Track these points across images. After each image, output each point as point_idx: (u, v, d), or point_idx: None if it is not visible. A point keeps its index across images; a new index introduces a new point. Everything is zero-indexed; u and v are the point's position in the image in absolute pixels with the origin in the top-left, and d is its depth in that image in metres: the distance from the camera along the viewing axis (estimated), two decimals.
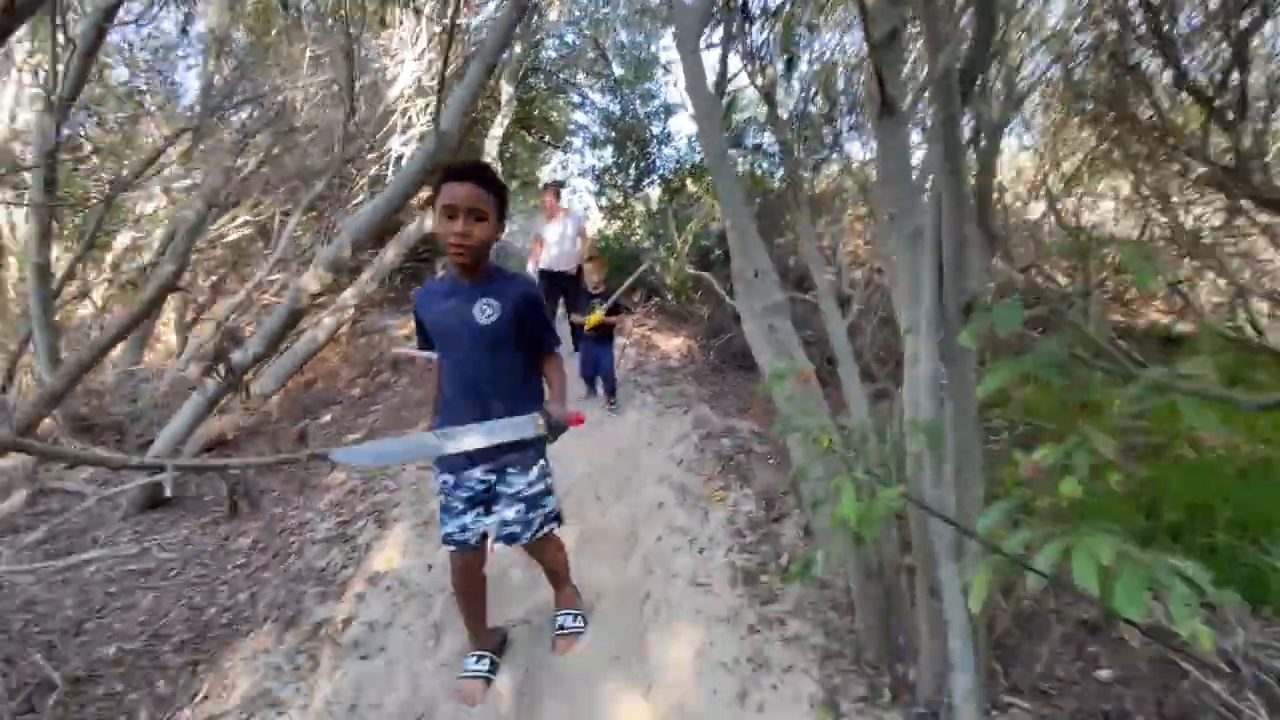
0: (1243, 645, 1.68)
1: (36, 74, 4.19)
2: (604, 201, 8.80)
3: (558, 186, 5.47)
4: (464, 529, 1.83)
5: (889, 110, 1.51)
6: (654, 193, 8.07)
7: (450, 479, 1.84)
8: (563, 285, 5.28)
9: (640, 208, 8.14)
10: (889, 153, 1.54)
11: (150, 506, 3.76)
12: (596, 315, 4.29)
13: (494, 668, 2.00)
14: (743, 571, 2.37)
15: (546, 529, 1.92)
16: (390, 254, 4.90)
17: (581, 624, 2.13)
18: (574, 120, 10.02)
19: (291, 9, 4.90)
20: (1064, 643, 1.95)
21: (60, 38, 2.74)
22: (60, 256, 4.59)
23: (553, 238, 5.20)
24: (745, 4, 2.30)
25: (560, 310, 5.47)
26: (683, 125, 14.83)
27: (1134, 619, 0.67)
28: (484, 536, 1.87)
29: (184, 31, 4.78)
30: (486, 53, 3.53)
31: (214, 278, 5.48)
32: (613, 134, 8.36)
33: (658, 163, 7.98)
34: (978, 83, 1.46)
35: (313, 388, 5.93)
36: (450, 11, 3.13)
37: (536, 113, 9.64)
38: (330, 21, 4.71)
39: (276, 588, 2.68)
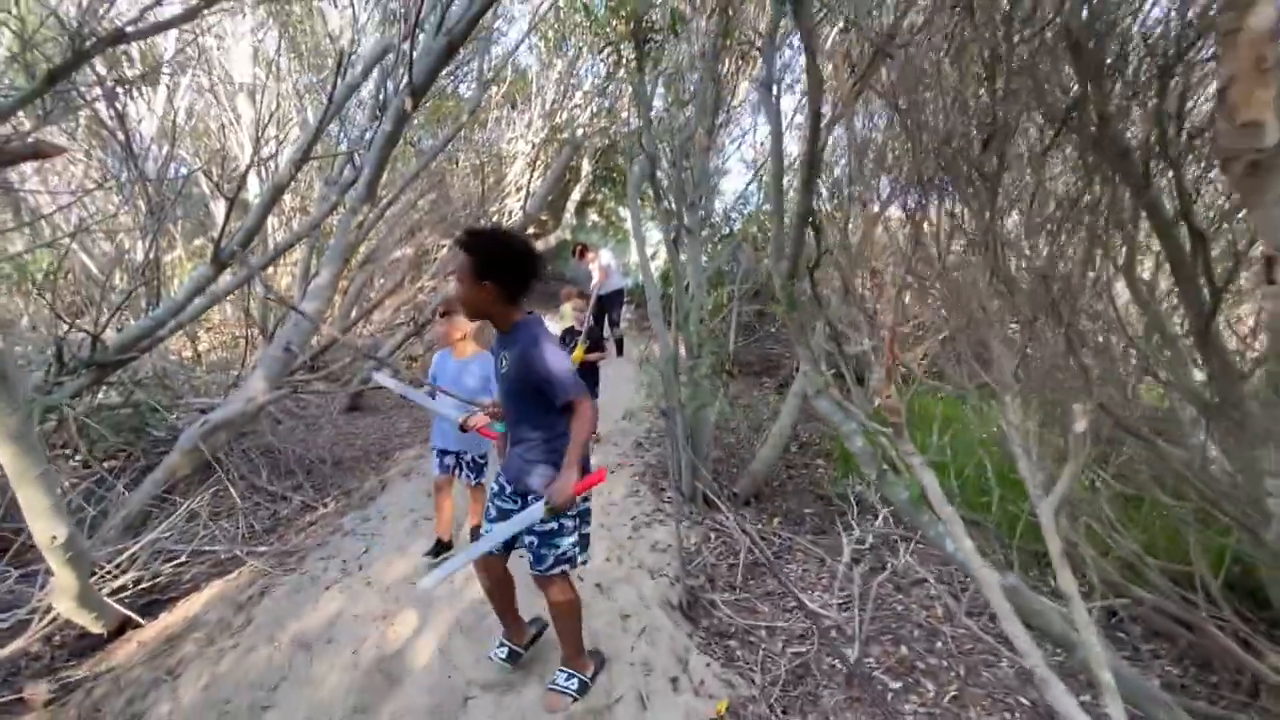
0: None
1: None
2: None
3: (583, 246, 7.63)
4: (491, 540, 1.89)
5: None
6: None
7: (495, 488, 2.00)
8: (603, 305, 7.57)
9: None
10: None
11: (350, 409, 6.60)
12: (578, 352, 4.46)
13: (511, 658, 2.12)
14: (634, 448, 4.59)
15: (557, 569, 1.90)
16: None
17: (574, 687, 2.00)
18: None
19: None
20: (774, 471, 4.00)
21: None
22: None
23: (595, 275, 7.54)
24: None
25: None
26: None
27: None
28: (509, 546, 1.97)
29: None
30: (556, 167, 6.04)
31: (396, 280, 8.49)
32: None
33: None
34: None
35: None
36: (535, 148, 5.64)
37: (615, 172, 12.24)
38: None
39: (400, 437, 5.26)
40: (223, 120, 6.86)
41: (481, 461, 3.02)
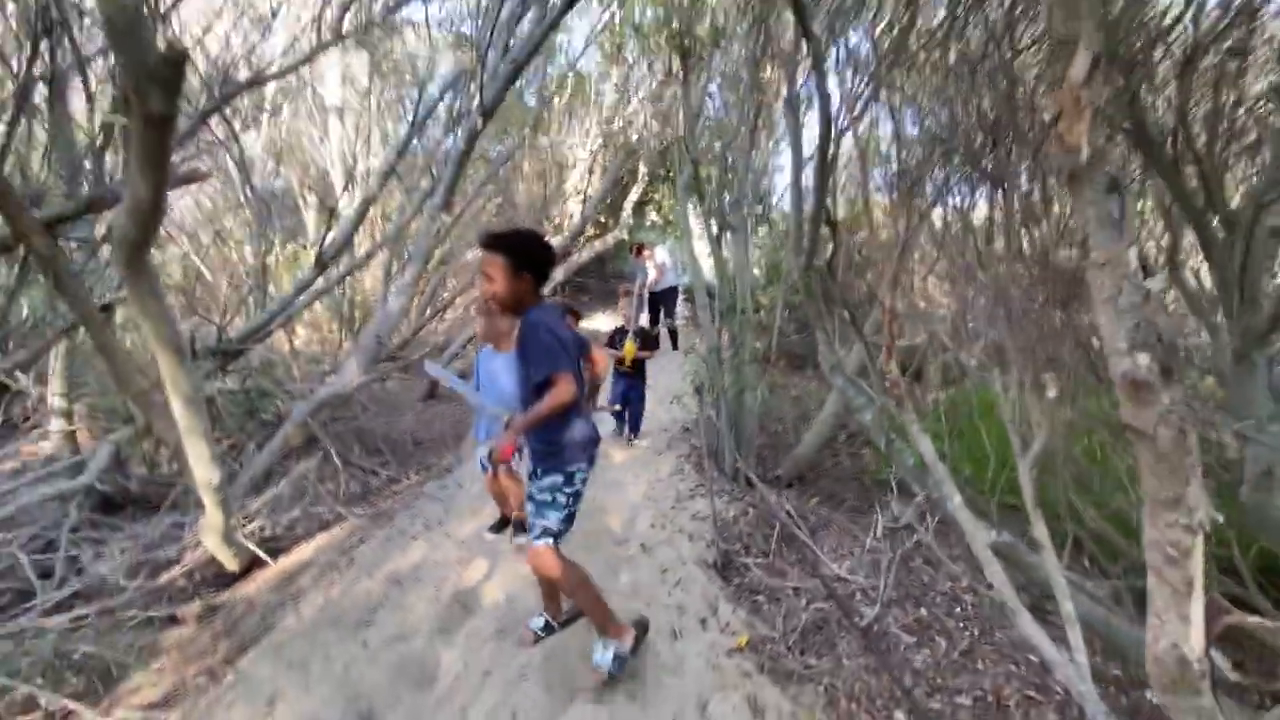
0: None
1: None
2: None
3: (639, 245, 8.01)
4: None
5: None
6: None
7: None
8: (657, 300, 7.94)
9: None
10: None
11: (427, 398, 7.24)
12: (630, 347, 4.52)
13: (548, 629, 2.34)
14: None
15: (540, 540, 2.00)
16: (559, 273, 8.06)
17: (609, 663, 2.03)
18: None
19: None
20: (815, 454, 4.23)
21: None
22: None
23: (651, 272, 7.90)
24: None
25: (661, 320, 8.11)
26: None
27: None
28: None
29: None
30: (613, 170, 6.42)
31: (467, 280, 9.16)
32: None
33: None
34: None
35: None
36: (593, 153, 6.03)
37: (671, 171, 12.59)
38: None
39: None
40: (316, 138, 7.65)
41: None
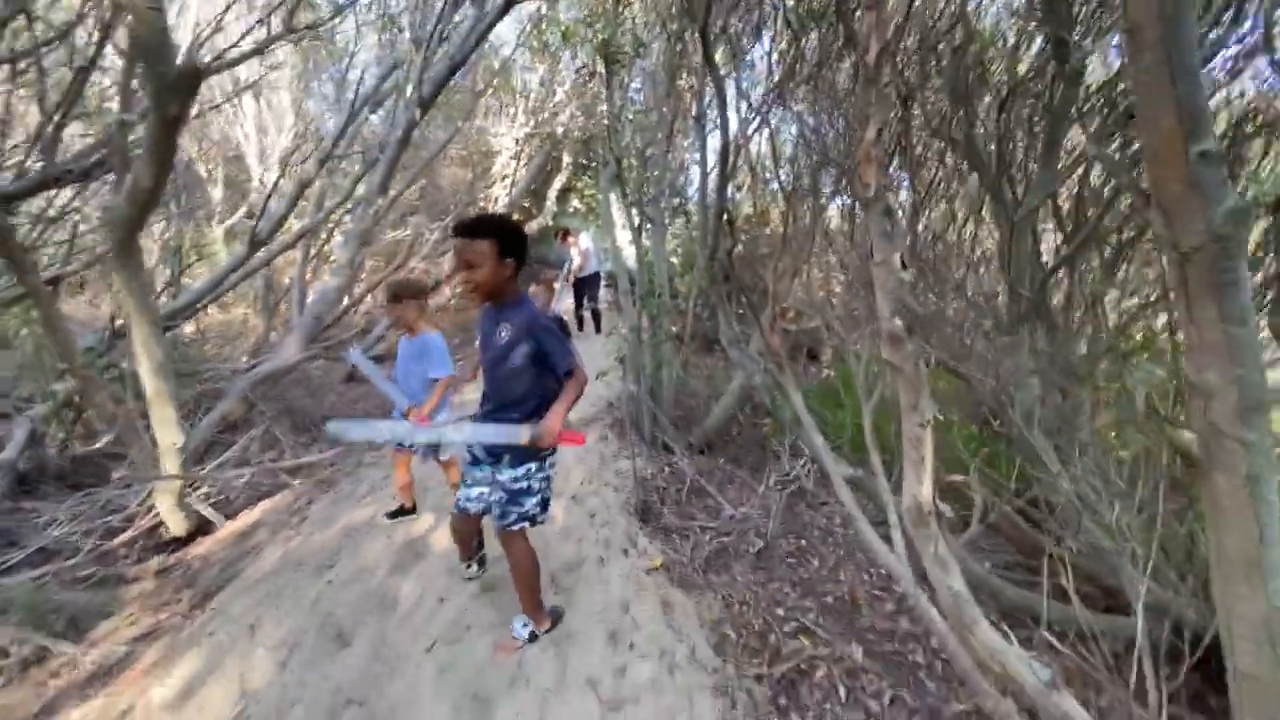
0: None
1: None
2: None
3: (565, 230, 8.43)
4: (467, 500, 2.21)
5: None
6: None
7: (470, 457, 2.22)
8: (581, 286, 8.36)
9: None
10: None
11: (348, 380, 7.30)
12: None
13: (482, 567, 2.64)
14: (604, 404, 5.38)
15: (518, 525, 2.10)
16: None
17: (526, 636, 2.24)
18: None
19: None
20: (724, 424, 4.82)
21: None
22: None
23: (575, 258, 8.30)
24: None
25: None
26: None
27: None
28: (482, 512, 2.25)
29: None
30: (539, 159, 6.73)
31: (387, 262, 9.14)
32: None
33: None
34: None
35: None
36: (519, 142, 6.32)
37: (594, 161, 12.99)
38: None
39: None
40: (230, 113, 7.43)
41: (435, 446, 3.09)
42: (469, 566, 2.61)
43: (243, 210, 7.72)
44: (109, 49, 2.64)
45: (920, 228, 2.89)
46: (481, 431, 2.02)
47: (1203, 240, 0.85)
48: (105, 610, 2.67)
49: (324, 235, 6.73)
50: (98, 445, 4.05)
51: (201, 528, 3.36)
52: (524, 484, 2.08)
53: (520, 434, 1.92)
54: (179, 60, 1.64)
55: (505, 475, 2.09)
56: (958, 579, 1.42)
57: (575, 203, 14.31)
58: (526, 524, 2.12)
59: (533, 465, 2.09)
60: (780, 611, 2.72)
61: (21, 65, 2.55)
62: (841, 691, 2.24)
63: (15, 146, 2.77)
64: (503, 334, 2.03)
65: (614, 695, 2.02)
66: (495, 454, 2.12)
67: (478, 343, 2.22)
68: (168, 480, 2.86)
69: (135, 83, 2.38)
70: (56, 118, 2.66)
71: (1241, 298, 0.87)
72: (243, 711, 1.94)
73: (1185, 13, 0.86)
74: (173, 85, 1.65)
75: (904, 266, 1.48)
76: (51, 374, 4.27)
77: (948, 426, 3.31)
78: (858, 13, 2.38)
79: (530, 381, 2.03)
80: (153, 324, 2.34)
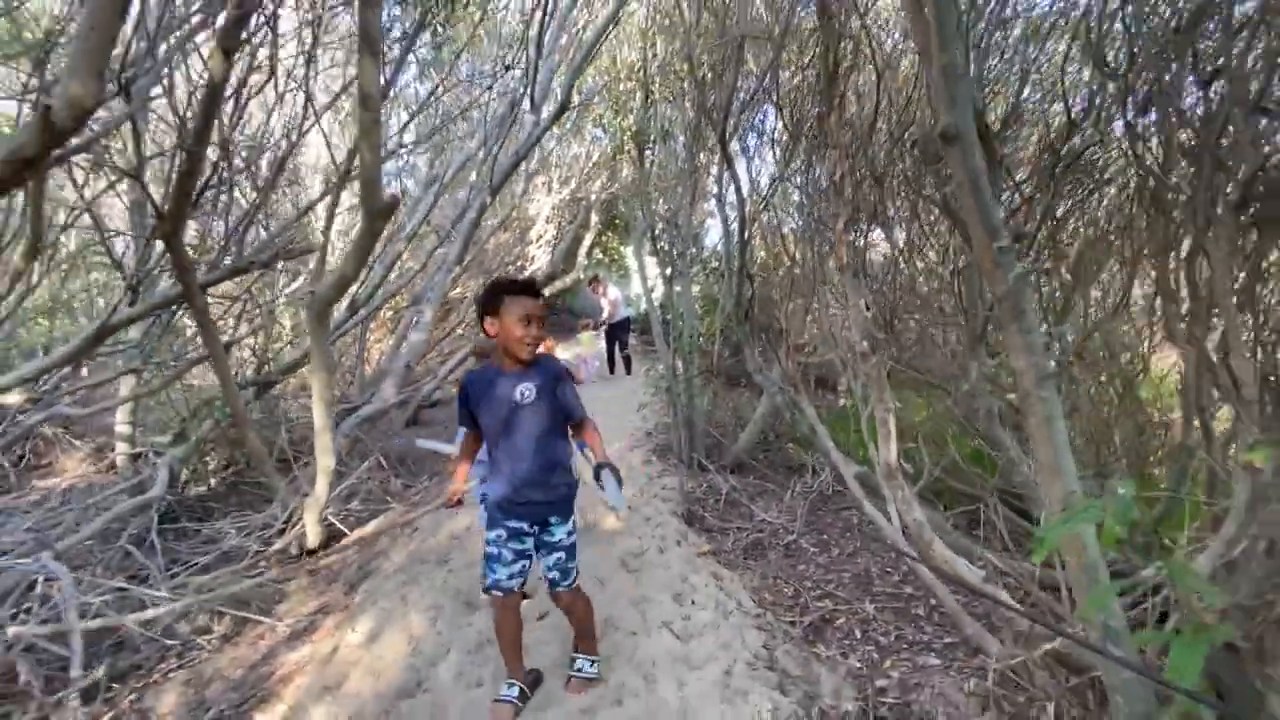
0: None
1: None
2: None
3: (595, 277, 9.36)
4: (510, 577, 2.10)
5: None
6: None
7: (504, 533, 2.11)
8: (613, 332, 9.23)
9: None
10: None
11: (408, 425, 8.16)
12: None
13: (524, 697, 2.24)
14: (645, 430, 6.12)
15: (578, 579, 2.19)
16: None
17: (596, 671, 2.28)
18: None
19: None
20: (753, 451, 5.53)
21: None
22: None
23: (605, 306, 9.18)
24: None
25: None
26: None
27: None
28: (523, 584, 2.17)
29: None
30: (575, 227, 7.69)
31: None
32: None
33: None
34: None
35: None
36: (554, 209, 7.29)
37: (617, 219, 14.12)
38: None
39: None
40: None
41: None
42: (511, 688, 2.23)
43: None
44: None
45: (901, 265, 3.67)
46: (611, 489, 2.04)
47: (1005, 291, 1.61)
48: (277, 597, 3.43)
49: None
50: (223, 477, 4.90)
51: (332, 538, 4.13)
52: (575, 535, 2.18)
53: (616, 484, 2.02)
54: (385, 195, 2.51)
55: (560, 534, 2.14)
56: (918, 512, 2.12)
57: (597, 254, 15.49)
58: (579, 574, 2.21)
59: (575, 515, 2.21)
60: (808, 583, 3.39)
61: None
62: (858, 633, 2.89)
63: (210, 248, 3.70)
64: (526, 394, 2.05)
65: (684, 632, 2.71)
66: (541, 519, 2.13)
67: (476, 406, 2.13)
68: (319, 494, 3.66)
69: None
70: (245, 224, 3.60)
71: (1029, 319, 1.62)
72: (415, 647, 2.67)
73: (976, 161, 1.64)
74: (381, 211, 2.53)
75: (867, 308, 2.26)
76: (193, 422, 5.17)
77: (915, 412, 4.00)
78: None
79: (561, 432, 2.14)
80: (328, 373, 3.17)
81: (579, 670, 2.29)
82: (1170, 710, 1.43)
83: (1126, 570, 2.09)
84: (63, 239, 4.66)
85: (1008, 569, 2.25)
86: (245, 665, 2.76)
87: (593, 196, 9.26)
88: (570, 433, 2.21)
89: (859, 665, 2.66)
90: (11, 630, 2.52)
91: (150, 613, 2.81)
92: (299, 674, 2.60)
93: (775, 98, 3.81)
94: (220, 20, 2.64)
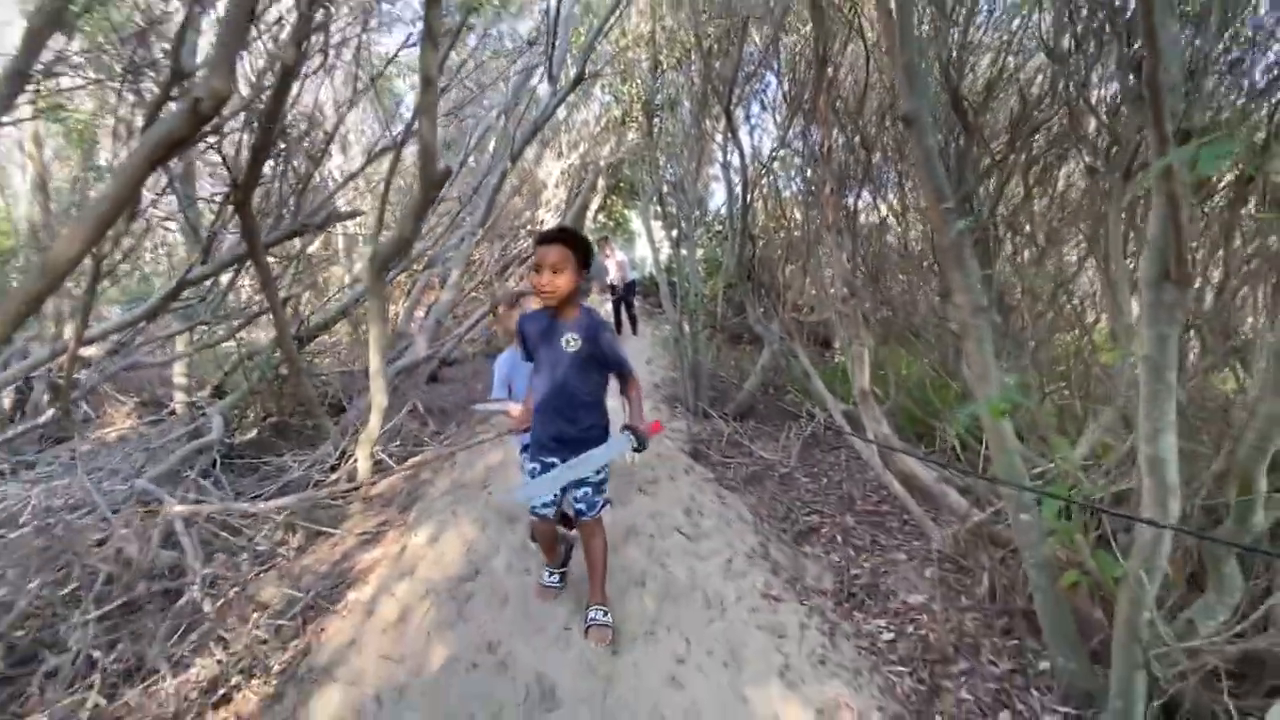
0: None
1: None
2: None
3: (604, 239, 9.77)
4: (544, 505, 2.32)
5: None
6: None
7: (538, 467, 2.29)
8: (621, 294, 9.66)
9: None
10: None
11: (430, 381, 8.67)
12: None
13: (563, 580, 2.68)
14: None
15: (604, 510, 2.39)
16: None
17: (609, 620, 2.38)
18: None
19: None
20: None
21: None
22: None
23: (612, 269, 9.60)
24: None
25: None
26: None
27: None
28: (559, 510, 2.40)
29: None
30: (585, 190, 8.04)
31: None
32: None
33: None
34: None
35: None
36: (564, 173, 7.64)
37: (622, 183, 14.34)
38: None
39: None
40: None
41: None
42: (551, 575, 2.67)
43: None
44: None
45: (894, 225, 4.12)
46: (593, 459, 2.16)
47: (949, 243, 2.06)
48: (340, 518, 3.98)
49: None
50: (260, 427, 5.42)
51: (380, 471, 4.67)
52: (605, 474, 2.34)
53: (623, 444, 2.11)
54: (440, 164, 2.94)
55: (588, 471, 2.23)
56: (884, 426, 2.61)
57: (601, 218, 15.80)
58: (608, 508, 2.42)
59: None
60: (798, 503, 3.93)
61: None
62: (839, 538, 3.43)
63: (269, 212, 4.14)
64: (570, 342, 2.16)
65: (693, 534, 3.25)
66: (576, 453, 2.19)
67: (519, 355, 2.41)
68: (371, 430, 4.17)
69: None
70: (302, 186, 4.02)
71: (970, 264, 2.08)
72: (470, 547, 3.21)
73: (930, 140, 2.08)
74: (436, 180, 2.96)
75: (849, 260, 2.71)
76: (235, 375, 5.67)
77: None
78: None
79: (599, 382, 2.27)
80: (382, 324, 3.64)
81: (594, 619, 2.37)
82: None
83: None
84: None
85: (953, 467, 2.75)
86: (328, 563, 3.31)
87: (601, 161, 9.58)
88: (618, 385, 2.31)
89: (839, 560, 3.20)
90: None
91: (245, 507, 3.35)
92: (377, 567, 3.14)
93: (776, 67, 4.19)
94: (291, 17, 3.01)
